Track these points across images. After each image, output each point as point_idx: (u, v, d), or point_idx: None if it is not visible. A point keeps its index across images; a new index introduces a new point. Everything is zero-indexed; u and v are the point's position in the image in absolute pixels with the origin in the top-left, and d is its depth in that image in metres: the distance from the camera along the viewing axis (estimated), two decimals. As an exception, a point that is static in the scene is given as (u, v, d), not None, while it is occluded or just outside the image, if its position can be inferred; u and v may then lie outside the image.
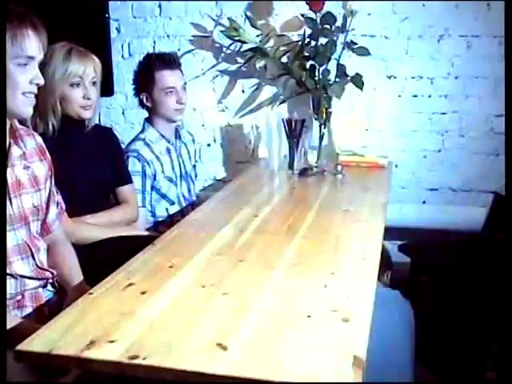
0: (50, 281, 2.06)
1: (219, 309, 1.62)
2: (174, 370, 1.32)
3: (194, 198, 3.30)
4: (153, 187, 3.05)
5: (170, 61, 3.07)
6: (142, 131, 3.14)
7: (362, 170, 3.49)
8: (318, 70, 3.54)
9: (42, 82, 1.86)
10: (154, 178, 3.04)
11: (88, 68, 2.51)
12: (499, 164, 3.66)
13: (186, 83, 3.16)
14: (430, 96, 3.66)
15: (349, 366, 1.33)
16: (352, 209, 2.63)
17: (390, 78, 3.68)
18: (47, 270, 2.02)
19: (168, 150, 3.13)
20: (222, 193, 2.99)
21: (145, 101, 3.12)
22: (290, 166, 3.40)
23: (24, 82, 1.81)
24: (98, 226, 2.59)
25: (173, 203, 3.14)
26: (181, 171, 3.21)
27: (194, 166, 3.41)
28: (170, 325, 1.52)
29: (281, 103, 3.72)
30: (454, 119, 3.66)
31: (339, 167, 3.28)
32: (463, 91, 3.62)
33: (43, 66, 2.04)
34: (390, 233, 2.75)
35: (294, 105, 3.73)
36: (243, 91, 3.84)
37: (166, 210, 3.12)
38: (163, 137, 3.12)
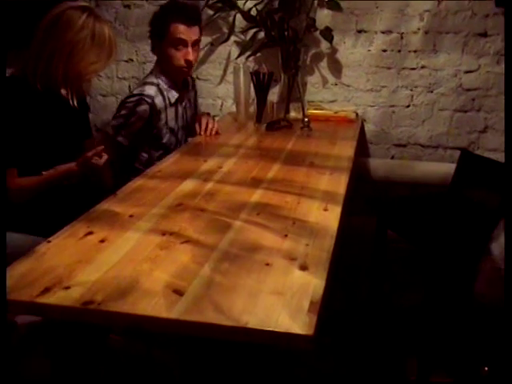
0: None
1: (178, 256, 1.62)
2: (127, 315, 1.32)
3: None
4: (155, 136, 2.98)
5: (188, 15, 2.92)
6: (155, 76, 3.00)
7: (330, 124, 3.48)
8: (287, 22, 3.50)
9: None
10: (157, 128, 2.97)
11: None
12: (467, 120, 3.67)
13: (199, 41, 3.00)
14: (399, 51, 3.63)
15: (304, 312, 1.33)
16: (317, 162, 2.63)
17: (359, 32, 3.64)
18: None
19: (176, 101, 3.05)
20: (187, 145, 2.97)
21: (154, 49, 3.03)
22: (258, 119, 3.38)
23: None
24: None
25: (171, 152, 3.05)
26: (183, 122, 3.14)
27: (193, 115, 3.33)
28: (127, 272, 1.52)
29: (249, 56, 3.67)
30: (424, 75, 3.64)
31: (307, 121, 3.26)
32: (433, 47, 3.59)
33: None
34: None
35: (263, 58, 3.69)
36: (212, 44, 3.78)
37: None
38: (175, 86, 3.03)
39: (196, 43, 2.96)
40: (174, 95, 3.02)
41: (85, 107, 2.70)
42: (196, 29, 2.94)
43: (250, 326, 1.28)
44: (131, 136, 2.90)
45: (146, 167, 2.82)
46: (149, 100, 2.88)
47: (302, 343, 1.27)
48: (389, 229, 3.12)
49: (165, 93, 2.98)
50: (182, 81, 3.11)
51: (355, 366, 2.64)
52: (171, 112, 3.03)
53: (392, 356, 2.74)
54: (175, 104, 3.05)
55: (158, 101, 2.93)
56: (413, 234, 3.00)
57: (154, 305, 1.35)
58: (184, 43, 2.90)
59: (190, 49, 2.91)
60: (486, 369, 2.64)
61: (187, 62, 2.93)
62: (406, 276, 3.29)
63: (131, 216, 1.90)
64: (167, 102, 2.99)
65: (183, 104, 3.13)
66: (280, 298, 1.40)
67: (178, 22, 2.88)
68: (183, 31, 2.88)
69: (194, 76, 3.73)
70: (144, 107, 2.88)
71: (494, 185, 2.97)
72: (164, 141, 3.02)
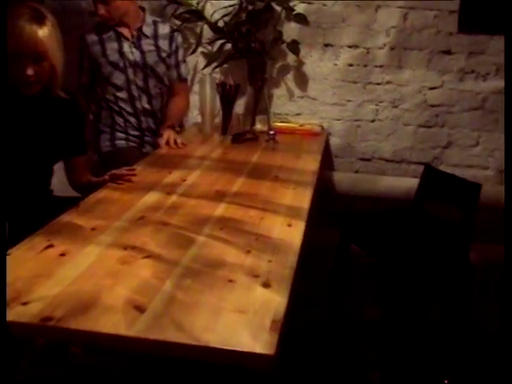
0: None
1: (139, 272, 1.60)
2: (87, 332, 1.30)
3: (154, 91, 3.37)
4: (98, 69, 3.28)
5: None
6: None
7: (295, 137, 3.49)
8: (255, 35, 3.51)
9: None
10: (95, 60, 3.26)
11: None
12: (431, 136, 3.71)
13: None
14: (365, 66, 3.67)
15: (265, 331, 1.33)
16: (282, 175, 2.63)
17: (326, 46, 3.67)
18: None
19: (117, 37, 3.25)
20: (151, 156, 2.95)
21: None
22: (223, 131, 3.37)
23: None
24: None
25: (120, 89, 3.30)
26: (136, 60, 3.27)
27: (168, 57, 3.36)
28: (87, 287, 1.49)
29: (216, 67, 3.67)
30: (389, 90, 3.68)
31: (272, 133, 3.26)
32: (398, 62, 3.63)
33: None
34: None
35: (230, 69, 3.70)
36: (179, 54, 3.77)
37: (114, 95, 3.32)
38: (111, 27, 3.24)
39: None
40: (108, 32, 3.25)
41: (75, 120, 2.56)
42: None
43: (211, 344, 1.27)
44: (82, 73, 3.34)
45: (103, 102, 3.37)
46: (82, 34, 3.28)
47: (263, 363, 1.26)
48: (352, 243, 3.12)
49: (102, 31, 3.25)
50: (139, 28, 3.29)
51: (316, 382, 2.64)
52: (111, 46, 3.25)
53: (353, 370, 2.74)
54: (118, 40, 3.25)
55: (89, 35, 3.25)
56: (375, 248, 3.01)
57: (114, 322, 1.33)
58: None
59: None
60: (447, 382, 2.67)
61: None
62: (369, 290, 3.30)
63: (93, 229, 1.88)
64: (104, 36, 3.24)
65: (134, 43, 3.27)
66: (242, 315, 1.39)
67: None
68: None
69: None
70: (79, 43, 3.28)
71: (456, 200, 2.99)
72: (105, 74, 3.27)
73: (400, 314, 2.90)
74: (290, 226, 2.02)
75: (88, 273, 1.58)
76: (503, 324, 1.60)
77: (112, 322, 1.33)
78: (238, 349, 1.27)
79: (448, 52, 3.57)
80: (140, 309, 1.39)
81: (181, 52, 3.42)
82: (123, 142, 3.36)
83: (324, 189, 3.60)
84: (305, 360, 2.74)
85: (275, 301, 1.47)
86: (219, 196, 2.28)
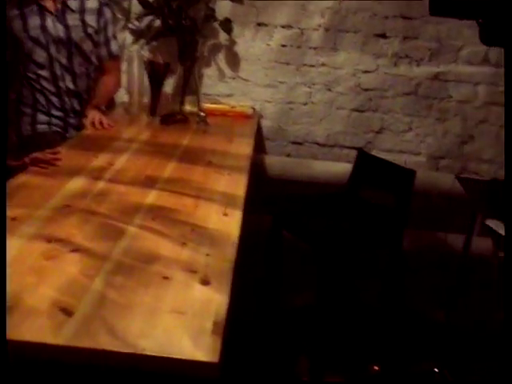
0: None
1: (66, 268, 1.46)
2: (9, 341, 1.16)
3: (79, 70, 3.12)
4: (18, 46, 3.00)
5: None
6: None
7: (226, 119, 3.38)
8: (186, 11, 3.36)
9: None
10: (15, 35, 2.98)
11: None
12: (364, 120, 3.66)
13: None
14: (299, 47, 3.57)
15: (207, 334, 1.22)
16: (215, 160, 2.51)
17: (259, 25, 3.55)
18: None
19: (40, 11, 2.98)
20: (75, 139, 2.79)
21: None
22: (152, 111, 3.23)
23: None
24: None
25: (42, 67, 3.04)
26: (59, 36, 3.03)
27: (95, 33, 3.12)
28: (8, 286, 1.34)
29: (144, 45, 3.51)
30: (323, 72, 3.60)
31: (203, 115, 3.14)
32: (333, 45, 3.55)
33: None
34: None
35: (159, 47, 3.54)
36: (105, 30, 3.59)
37: (36, 73, 3.05)
38: (36, 2, 2.98)
39: None
40: (31, 6, 2.98)
41: None
42: None
43: (147, 352, 1.16)
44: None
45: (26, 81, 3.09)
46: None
47: (207, 371, 1.16)
48: (284, 228, 3.05)
49: (23, 4, 2.98)
50: (63, 1, 3.03)
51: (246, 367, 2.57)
52: (33, 20, 2.98)
53: (283, 356, 2.69)
54: (40, 14, 2.99)
55: (10, 9, 2.94)
56: (308, 234, 2.95)
57: (38, 327, 1.20)
58: None
59: None
60: (377, 368, 2.65)
61: None
62: (302, 276, 3.24)
63: (14, 219, 1.72)
64: (26, 10, 2.97)
65: (55, 17, 3.01)
66: (181, 317, 1.28)
67: None
68: None
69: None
70: None
71: (390, 186, 2.97)
72: (26, 51, 3.01)
73: (333, 300, 2.87)
74: (226, 215, 1.92)
75: (9, 270, 1.43)
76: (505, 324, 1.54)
77: (36, 328, 1.20)
78: (177, 356, 1.16)
79: (383, 36, 3.51)
80: (67, 311, 1.26)
81: (110, 28, 3.20)
82: (45, 125, 3.13)
83: (256, 173, 3.51)
84: (236, 349, 2.66)
85: (216, 300, 1.37)
86: (150, 182, 2.15)
